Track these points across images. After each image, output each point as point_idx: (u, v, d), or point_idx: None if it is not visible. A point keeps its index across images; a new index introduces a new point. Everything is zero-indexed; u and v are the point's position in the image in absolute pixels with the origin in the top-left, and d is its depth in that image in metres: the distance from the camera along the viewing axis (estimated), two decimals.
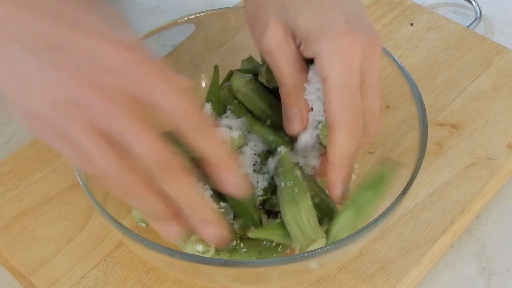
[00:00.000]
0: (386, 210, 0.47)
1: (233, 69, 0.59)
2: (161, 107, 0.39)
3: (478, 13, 0.79)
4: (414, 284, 0.54)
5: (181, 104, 0.39)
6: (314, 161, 0.51)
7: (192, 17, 0.62)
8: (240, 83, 0.56)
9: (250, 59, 0.61)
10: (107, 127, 0.38)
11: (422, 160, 0.50)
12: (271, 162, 0.52)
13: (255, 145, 0.53)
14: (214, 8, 0.64)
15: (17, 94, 0.39)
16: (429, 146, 0.62)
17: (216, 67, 0.59)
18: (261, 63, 0.60)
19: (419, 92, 0.55)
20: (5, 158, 0.62)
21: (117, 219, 0.46)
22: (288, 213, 0.47)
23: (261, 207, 0.52)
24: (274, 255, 0.50)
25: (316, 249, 0.45)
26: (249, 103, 0.56)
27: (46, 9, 0.40)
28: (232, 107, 0.56)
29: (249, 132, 0.55)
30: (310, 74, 0.49)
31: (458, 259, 0.57)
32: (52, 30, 0.39)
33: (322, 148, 0.50)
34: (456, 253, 0.57)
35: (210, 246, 0.47)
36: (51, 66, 0.38)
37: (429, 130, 0.63)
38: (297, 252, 0.47)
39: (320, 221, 0.49)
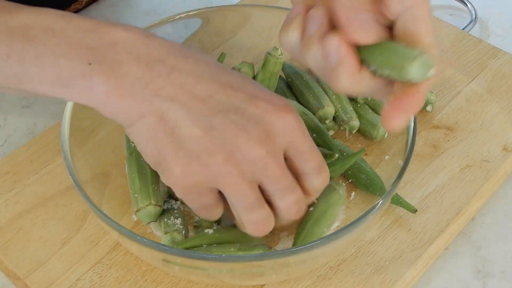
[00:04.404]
0: (377, 203, 0.48)
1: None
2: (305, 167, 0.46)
3: (474, 16, 0.79)
4: (409, 286, 0.54)
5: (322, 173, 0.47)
6: None
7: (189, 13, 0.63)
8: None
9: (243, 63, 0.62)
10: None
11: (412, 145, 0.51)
12: None
13: None
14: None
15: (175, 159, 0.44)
16: (424, 148, 0.62)
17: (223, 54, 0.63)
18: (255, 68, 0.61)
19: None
20: (1, 160, 0.62)
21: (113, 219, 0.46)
22: None
23: None
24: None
25: (317, 240, 0.45)
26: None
27: (200, 73, 0.44)
28: None
29: None
30: None
31: (454, 261, 0.57)
32: (216, 95, 0.43)
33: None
34: (452, 255, 0.57)
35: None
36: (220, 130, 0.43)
37: (424, 132, 0.64)
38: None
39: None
